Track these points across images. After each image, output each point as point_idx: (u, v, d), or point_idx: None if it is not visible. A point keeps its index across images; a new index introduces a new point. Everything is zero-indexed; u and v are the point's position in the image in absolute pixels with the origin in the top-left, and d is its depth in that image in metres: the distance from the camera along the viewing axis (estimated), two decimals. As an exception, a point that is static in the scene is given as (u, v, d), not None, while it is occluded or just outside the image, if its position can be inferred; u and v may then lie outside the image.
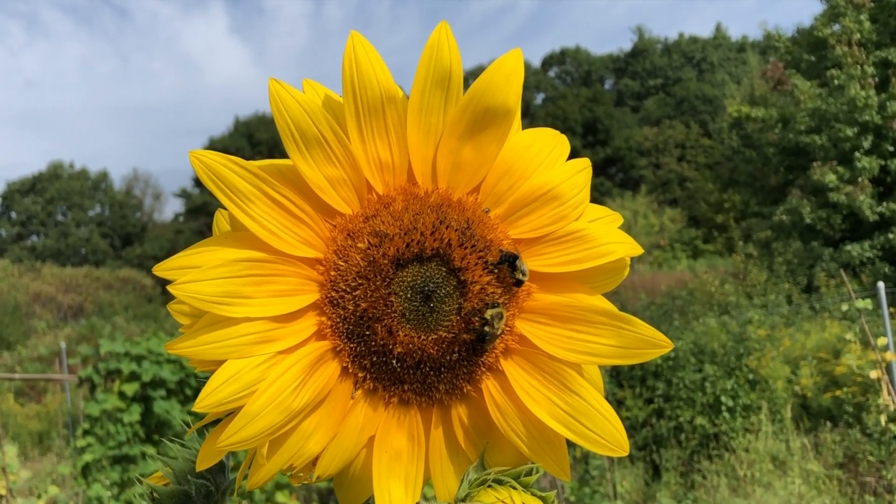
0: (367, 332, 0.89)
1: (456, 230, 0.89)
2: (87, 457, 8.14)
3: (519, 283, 0.91)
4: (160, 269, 0.87)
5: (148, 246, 49.59)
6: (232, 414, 0.86)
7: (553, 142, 0.96)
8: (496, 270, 0.90)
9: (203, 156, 0.85)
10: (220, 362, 0.84)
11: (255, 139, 52.29)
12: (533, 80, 58.90)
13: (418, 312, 0.90)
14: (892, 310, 12.24)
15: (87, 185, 55.03)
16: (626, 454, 0.90)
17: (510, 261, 0.89)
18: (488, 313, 0.88)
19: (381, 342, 0.89)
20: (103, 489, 7.88)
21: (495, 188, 0.93)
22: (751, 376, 10.64)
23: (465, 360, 0.92)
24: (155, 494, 1.09)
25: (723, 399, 10.47)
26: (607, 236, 0.94)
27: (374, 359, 0.90)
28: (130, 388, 8.26)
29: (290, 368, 0.86)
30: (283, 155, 0.88)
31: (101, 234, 53.33)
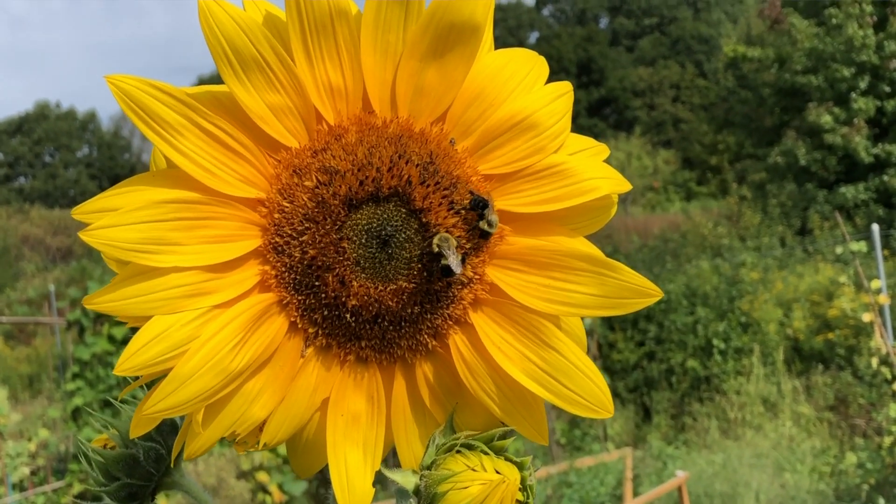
0: (317, 283, 0.79)
1: (417, 165, 0.78)
2: (77, 400, 8.12)
3: (485, 234, 0.80)
4: (79, 213, 0.76)
5: (138, 188, 49.16)
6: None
7: (529, 63, 0.84)
8: (462, 211, 0.80)
9: (121, 81, 0.73)
10: (147, 318, 0.74)
11: (245, 80, 51.46)
12: (527, 18, 58.23)
13: (374, 260, 0.79)
14: (885, 252, 12.26)
15: (75, 125, 54.46)
16: (611, 416, 0.80)
17: (480, 207, 0.79)
18: (434, 241, 0.78)
19: (333, 294, 0.79)
20: (94, 432, 7.87)
21: (463, 116, 0.82)
22: (743, 319, 10.67)
23: (428, 312, 0.82)
24: (100, 459, 0.99)
25: (714, 342, 10.52)
26: (590, 170, 0.83)
27: (326, 312, 0.80)
28: (119, 332, 8.22)
29: (229, 324, 0.75)
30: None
31: (90, 175, 52.90)
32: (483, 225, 0.79)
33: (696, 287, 11.36)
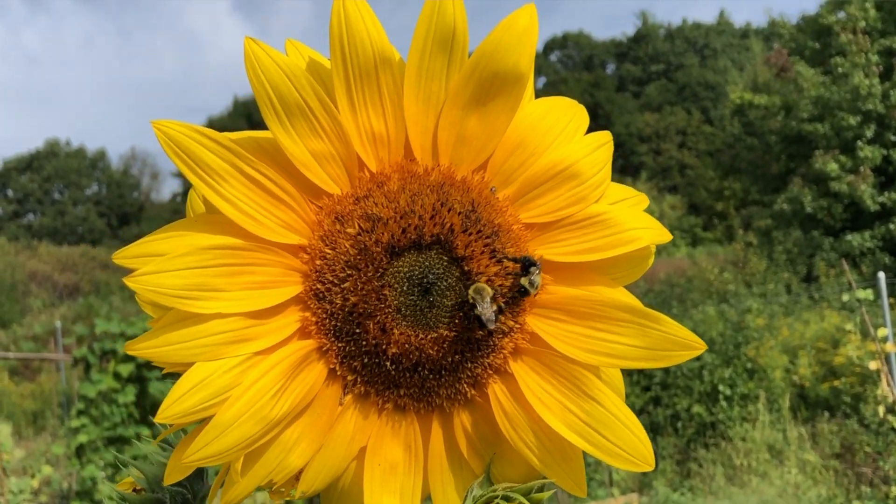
0: (358, 330, 0.78)
1: (459, 213, 0.78)
2: (82, 437, 8.07)
3: (524, 292, 0.79)
4: (121, 257, 0.76)
5: (145, 225, 49.43)
6: (204, 421, 0.75)
7: (570, 112, 0.84)
8: (504, 260, 0.79)
9: (167, 126, 0.74)
10: (188, 364, 0.73)
11: (254, 119, 51.95)
12: (535, 63, 58.56)
13: (416, 307, 0.79)
14: (892, 300, 12.19)
15: (85, 163, 54.79)
16: (652, 469, 0.79)
17: (527, 266, 0.78)
18: (469, 292, 0.77)
19: (374, 341, 0.78)
20: (97, 470, 7.82)
21: (505, 165, 0.82)
22: (749, 365, 10.60)
23: (469, 361, 0.81)
24: (125, 502, 0.98)
25: (720, 388, 10.44)
26: (632, 221, 0.83)
27: (366, 360, 0.80)
28: (125, 369, 8.18)
29: (269, 371, 0.75)
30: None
31: (98, 213, 53.12)
32: (524, 282, 0.78)
33: (702, 332, 11.30)
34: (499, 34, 0.77)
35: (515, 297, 0.81)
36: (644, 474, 10.15)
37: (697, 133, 45.86)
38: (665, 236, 0.84)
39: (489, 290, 0.78)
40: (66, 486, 8.46)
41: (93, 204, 53.94)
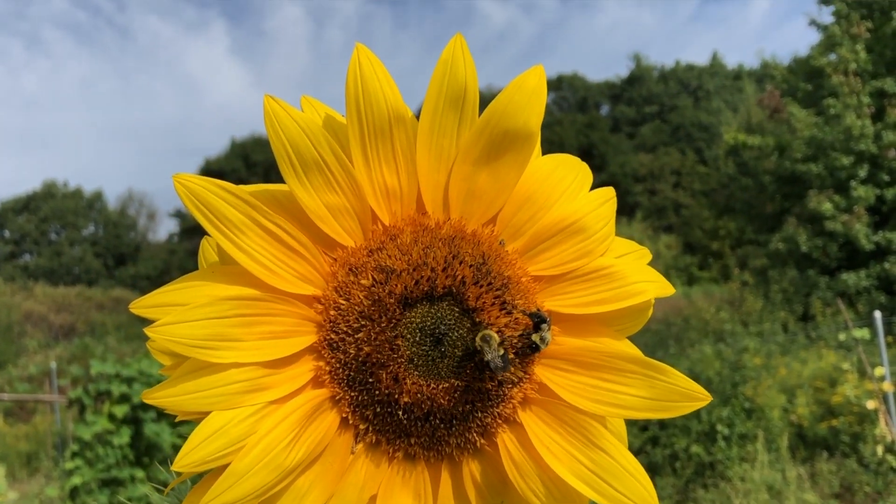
0: (371, 380, 0.80)
1: (470, 266, 0.80)
2: (76, 479, 7.99)
3: (535, 348, 0.81)
4: (138, 307, 0.77)
5: (142, 266, 49.42)
6: (215, 470, 0.76)
7: (576, 169, 0.87)
8: (514, 312, 0.81)
9: (188, 180, 0.76)
10: (203, 413, 0.75)
11: (250, 160, 52.31)
12: (529, 105, 58.89)
13: (428, 357, 0.80)
14: (888, 339, 12.21)
15: (82, 204, 54.88)
16: (658, 517, 0.80)
17: (538, 322, 0.80)
18: (477, 339, 0.79)
19: (386, 391, 0.80)
20: (92, 514, 7.75)
21: (514, 219, 0.85)
22: (747, 405, 10.57)
23: (479, 410, 0.83)
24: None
25: (718, 427, 10.40)
26: (637, 274, 0.85)
27: (378, 409, 0.81)
28: (120, 410, 8.13)
29: (284, 420, 0.76)
30: (280, 179, 0.79)
31: (95, 253, 53.09)
32: (536, 338, 0.80)
33: (699, 371, 11.30)
34: (509, 94, 0.80)
35: (526, 352, 0.82)
36: (642, 516, 10.09)
37: (692, 173, 46.12)
38: (668, 290, 0.86)
39: (496, 337, 0.79)
40: (60, 530, 8.38)
41: (89, 244, 53.93)
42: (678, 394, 0.81)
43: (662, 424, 10.89)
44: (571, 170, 0.87)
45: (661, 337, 16.44)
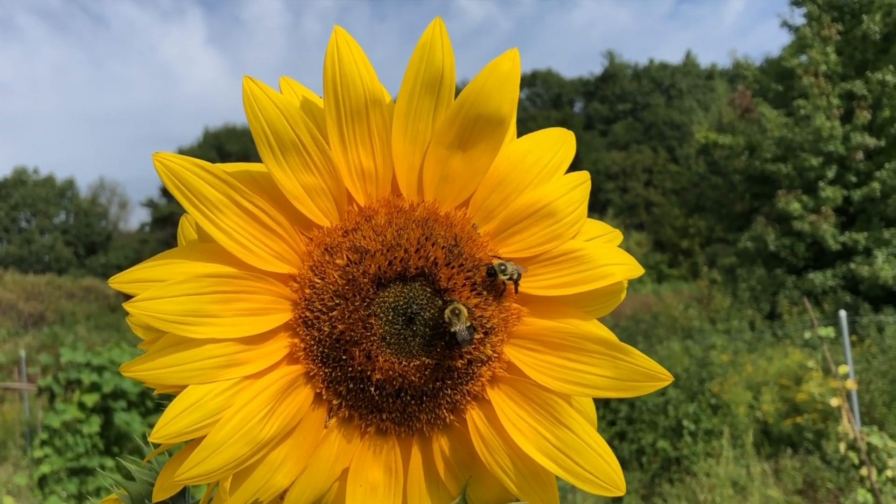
0: (344, 357, 0.82)
1: (443, 248, 0.82)
2: (45, 468, 7.94)
3: (517, 281, 0.84)
4: (117, 282, 0.79)
5: (112, 255, 48.93)
6: (192, 441, 0.78)
7: (556, 146, 0.89)
8: (484, 293, 0.83)
9: (167, 159, 0.77)
10: (180, 387, 0.76)
11: (224, 150, 51.97)
12: (503, 100, 58.93)
13: (400, 336, 0.82)
14: (853, 338, 12.39)
15: (53, 192, 54.25)
16: (622, 493, 0.83)
17: (491, 271, 0.83)
18: (446, 312, 0.81)
19: (359, 367, 0.82)
20: (60, 501, 7.69)
21: (486, 202, 0.87)
22: (713, 401, 10.68)
23: (448, 387, 0.85)
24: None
25: (685, 423, 10.49)
26: (606, 257, 0.87)
27: (351, 385, 0.83)
28: (90, 399, 8.08)
29: (259, 395, 0.78)
30: (258, 160, 0.81)
31: (66, 241, 52.54)
32: (503, 279, 0.82)
33: (667, 368, 11.27)
34: (483, 78, 0.81)
35: (504, 314, 0.85)
36: (609, 509, 10.16)
37: (663, 171, 46.44)
38: (637, 271, 0.89)
39: (465, 311, 0.81)
40: (28, 518, 8.31)
41: (60, 233, 53.36)
42: (641, 374, 0.83)
43: (630, 419, 10.97)
44: (550, 148, 0.88)
45: (629, 333, 16.55)
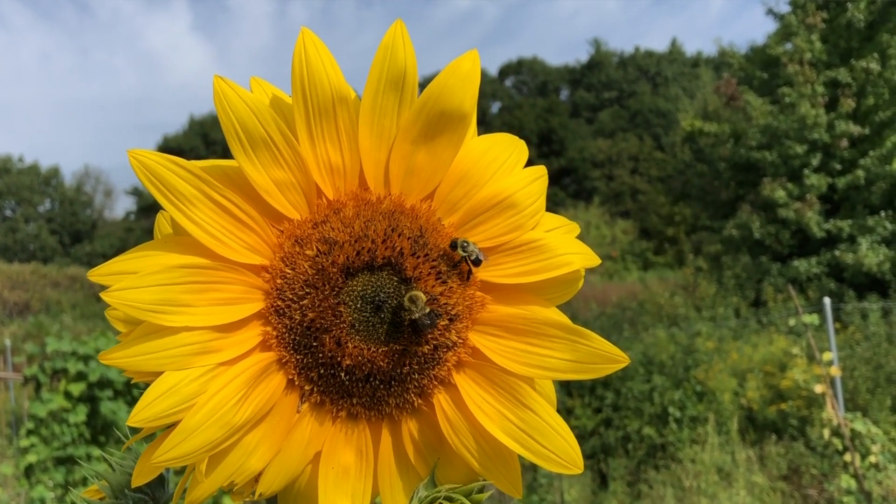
0: (315, 344, 0.85)
1: (409, 238, 0.86)
2: (31, 457, 7.93)
3: (476, 262, 0.87)
4: (95, 275, 0.82)
5: (98, 243, 48.78)
6: (170, 427, 0.81)
7: (510, 148, 0.92)
8: (449, 281, 0.87)
9: (141, 155, 0.80)
10: (157, 374, 0.80)
11: (209, 138, 51.86)
12: (489, 88, 59.21)
13: (368, 323, 0.86)
14: (837, 325, 12.48)
15: (38, 180, 54.00)
16: (580, 472, 0.86)
17: (454, 247, 0.87)
18: (405, 298, 0.84)
19: (329, 354, 0.85)
20: (46, 490, 7.69)
21: (450, 195, 0.90)
22: (698, 388, 10.75)
23: (416, 372, 0.88)
24: (91, 508, 1.03)
25: (670, 410, 10.56)
26: (564, 247, 0.91)
27: (322, 371, 0.87)
28: (77, 388, 8.07)
29: (232, 381, 0.82)
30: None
31: (51, 230, 52.36)
32: (459, 252, 0.86)
33: (652, 355, 11.46)
34: (444, 77, 0.85)
35: (467, 301, 0.89)
36: (595, 494, 10.23)
37: (649, 159, 46.55)
38: (594, 261, 0.93)
39: (423, 297, 0.85)
40: (14, 507, 8.32)
41: (45, 221, 53.14)
42: (599, 357, 0.87)
43: (615, 407, 11.04)
44: (506, 149, 0.92)
45: (615, 321, 16.62)
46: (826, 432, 6.57)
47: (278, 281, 0.85)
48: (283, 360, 0.86)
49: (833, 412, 6.49)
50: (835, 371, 7.27)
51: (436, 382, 0.90)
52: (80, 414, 8.03)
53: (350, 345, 0.85)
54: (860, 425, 6.42)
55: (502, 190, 0.89)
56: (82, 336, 9.18)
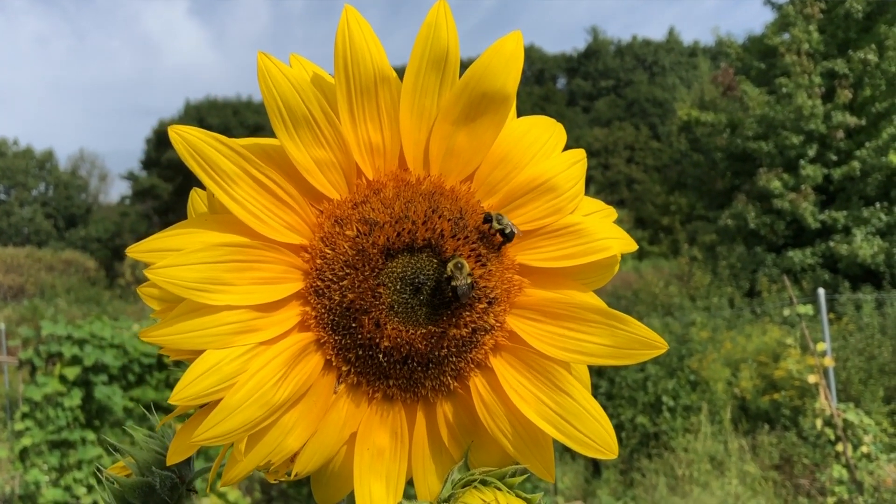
0: (353, 325, 0.85)
1: (449, 220, 0.85)
2: (26, 441, 7.92)
3: (510, 235, 0.87)
4: (135, 251, 0.82)
5: (92, 228, 48.63)
6: (205, 406, 0.81)
7: (549, 130, 0.92)
8: (489, 264, 0.87)
9: (184, 131, 0.80)
10: (196, 352, 0.79)
11: (205, 123, 51.59)
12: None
13: (407, 305, 0.85)
14: (831, 316, 12.53)
15: (32, 163, 53.75)
16: (615, 457, 0.86)
17: (487, 220, 0.86)
18: (450, 264, 0.84)
19: (368, 335, 0.85)
20: (41, 474, 7.69)
21: (490, 177, 0.90)
22: (692, 377, 10.78)
23: (453, 355, 0.88)
24: (117, 486, 1.03)
25: (664, 399, 10.60)
26: (603, 231, 0.91)
27: (360, 352, 0.86)
28: (72, 372, 8.05)
29: (272, 360, 0.81)
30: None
31: (45, 214, 52.15)
32: (496, 227, 0.86)
33: (646, 345, 11.49)
34: (488, 58, 0.84)
35: (506, 283, 0.89)
36: (588, 482, 10.27)
37: (645, 148, 46.55)
38: (631, 246, 0.93)
39: (468, 266, 0.84)
40: (9, 490, 8.32)
41: (39, 205, 52.92)
42: (638, 342, 0.86)
43: (609, 395, 11.07)
44: (545, 131, 0.92)
45: (610, 309, 16.64)
46: (819, 422, 6.60)
47: (318, 261, 0.85)
48: (322, 341, 0.86)
49: (826, 402, 6.52)
50: (828, 361, 7.30)
51: (472, 365, 0.90)
52: (74, 398, 8.01)
53: (389, 326, 0.84)
54: (852, 416, 6.45)
55: (542, 173, 0.89)
56: (77, 320, 9.15)
